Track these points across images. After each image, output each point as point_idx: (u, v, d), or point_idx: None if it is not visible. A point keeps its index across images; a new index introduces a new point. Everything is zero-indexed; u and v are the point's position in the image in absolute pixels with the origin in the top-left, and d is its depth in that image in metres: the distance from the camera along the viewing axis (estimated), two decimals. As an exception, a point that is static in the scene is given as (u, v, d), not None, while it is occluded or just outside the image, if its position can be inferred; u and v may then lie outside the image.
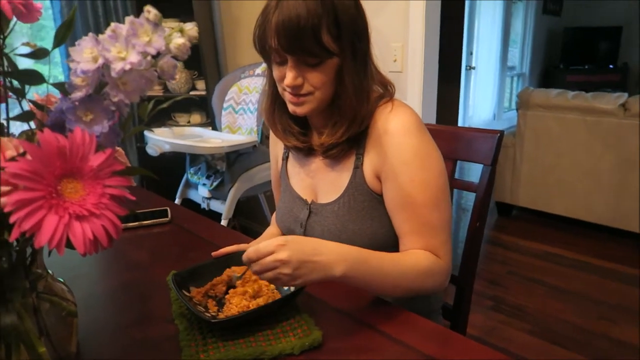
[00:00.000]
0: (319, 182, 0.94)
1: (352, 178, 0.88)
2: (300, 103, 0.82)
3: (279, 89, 0.86)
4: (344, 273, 0.70)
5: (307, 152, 0.95)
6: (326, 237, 0.89)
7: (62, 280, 0.62)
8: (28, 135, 0.49)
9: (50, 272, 0.60)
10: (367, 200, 0.87)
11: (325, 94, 0.83)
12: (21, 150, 0.44)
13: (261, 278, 0.68)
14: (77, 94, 0.47)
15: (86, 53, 0.47)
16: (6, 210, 0.40)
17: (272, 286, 0.79)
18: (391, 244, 0.87)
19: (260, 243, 0.68)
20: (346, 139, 0.85)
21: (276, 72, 0.83)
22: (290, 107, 0.85)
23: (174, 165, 2.51)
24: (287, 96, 0.84)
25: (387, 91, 0.89)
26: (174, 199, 2.48)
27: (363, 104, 0.84)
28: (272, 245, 0.66)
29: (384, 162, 0.84)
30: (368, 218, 0.87)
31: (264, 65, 2.37)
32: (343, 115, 0.84)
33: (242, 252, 0.86)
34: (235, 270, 0.82)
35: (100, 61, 0.46)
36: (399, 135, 0.83)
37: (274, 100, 0.93)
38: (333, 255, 0.70)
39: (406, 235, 0.84)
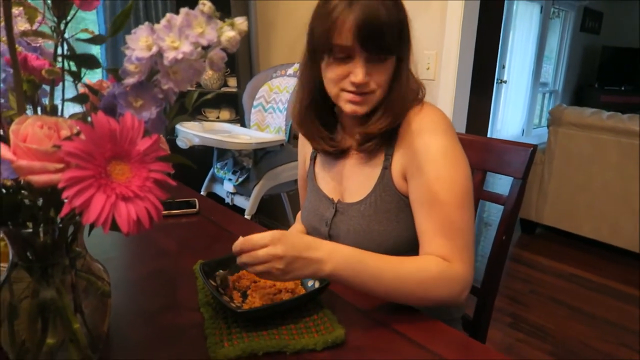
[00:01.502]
0: (347, 182, 0.95)
1: (380, 178, 0.88)
2: (361, 102, 0.83)
3: (334, 90, 0.85)
4: (332, 269, 0.70)
5: (335, 155, 0.96)
6: (351, 236, 0.89)
7: (98, 260, 0.64)
8: (83, 117, 0.51)
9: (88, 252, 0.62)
10: (394, 201, 0.87)
11: (383, 93, 0.84)
12: (76, 131, 0.46)
13: (249, 270, 0.68)
14: (130, 80, 0.49)
15: (141, 41, 0.48)
16: (60, 186, 0.42)
17: (297, 281, 0.80)
18: (415, 247, 0.87)
19: (254, 235, 0.68)
20: (383, 133, 0.86)
21: (333, 72, 0.82)
22: (350, 108, 0.84)
23: (201, 159, 2.56)
24: (348, 96, 0.83)
25: (419, 93, 0.90)
26: (199, 192, 2.52)
27: (406, 102, 0.86)
28: (266, 238, 0.66)
29: (412, 160, 0.84)
30: (394, 220, 0.87)
31: (295, 66, 2.40)
32: (389, 110, 0.85)
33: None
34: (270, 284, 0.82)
35: (154, 49, 0.48)
36: (427, 133, 0.83)
37: (308, 105, 0.92)
38: (324, 252, 0.70)
39: (427, 233, 0.81)
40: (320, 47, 0.82)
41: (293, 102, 0.96)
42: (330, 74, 0.83)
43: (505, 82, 5.15)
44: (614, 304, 2.33)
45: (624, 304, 2.33)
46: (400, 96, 0.85)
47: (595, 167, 2.80)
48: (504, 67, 5.07)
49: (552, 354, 1.91)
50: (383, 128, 0.85)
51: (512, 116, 5.51)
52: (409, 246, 0.87)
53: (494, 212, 1.02)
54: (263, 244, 0.67)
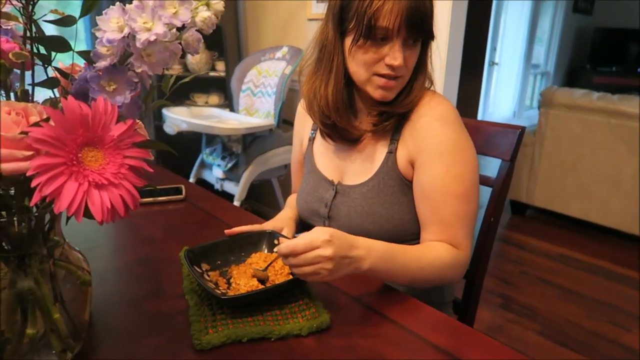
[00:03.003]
0: (348, 164, 0.94)
1: (384, 162, 0.88)
2: (392, 87, 0.83)
3: (364, 75, 0.83)
4: (370, 266, 0.71)
5: (353, 141, 0.94)
6: (352, 218, 0.89)
7: (78, 249, 0.63)
8: (52, 102, 0.49)
9: (67, 240, 0.61)
10: (397, 185, 0.87)
11: (408, 78, 0.85)
12: (45, 116, 0.45)
13: (295, 272, 0.67)
14: (102, 63, 0.47)
15: (113, 22, 0.47)
16: (29, 173, 0.40)
17: (287, 268, 0.79)
18: (413, 232, 0.88)
19: (301, 237, 0.66)
20: (399, 113, 0.87)
21: (369, 55, 0.80)
22: (380, 93, 0.83)
23: (190, 144, 2.53)
24: (380, 81, 0.82)
25: (426, 81, 0.90)
26: (188, 179, 2.50)
27: (424, 87, 0.88)
28: (318, 240, 0.65)
29: (421, 150, 0.84)
30: (396, 203, 0.87)
31: (284, 49, 2.36)
32: (416, 93, 0.86)
33: (256, 232, 0.87)
34: (257, 264, 0.81)
35: (126, 31, 0.46)
36: (440, 125, 0.84)
37: (342, 92, 0.87)
38: (363, 249, 0.70)
39: (432, 224, 0.85)
40: (358, 29, 0.78)
41: (309, 87, 0.90)
42: (364, 57, 0.81)
43: (496, 64, 5.12)
44: (602, 283, 2.36)
45: (613, 282, 2.36)
46: (423, 80, 0.87)
47: (586, 148, 2.81)
48: (495, 49, 5.03)
49: (542, 333, 1.93)
50: (405, 110, 0.86)
51: (503, 98, 5.50)
52: (409, 229, 0.88)
53: (484, 195, 1.02)
54: (315, 247, 0.65)
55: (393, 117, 0.87)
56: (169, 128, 2.15)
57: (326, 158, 0.98)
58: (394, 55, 0.78)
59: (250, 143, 2.27)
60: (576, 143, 2.84)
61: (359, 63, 0.82)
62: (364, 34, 0.78)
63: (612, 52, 6.03)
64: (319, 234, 0.66)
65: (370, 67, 0.81)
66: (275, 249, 0.83)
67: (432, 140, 0.83)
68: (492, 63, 5.05)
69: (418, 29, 0.78)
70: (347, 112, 0.89)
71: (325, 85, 0.87)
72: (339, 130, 0.90)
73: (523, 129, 1.02)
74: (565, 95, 2.85)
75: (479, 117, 4.65)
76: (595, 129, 2.75)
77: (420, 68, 0.87)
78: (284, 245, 0.67)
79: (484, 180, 1.11)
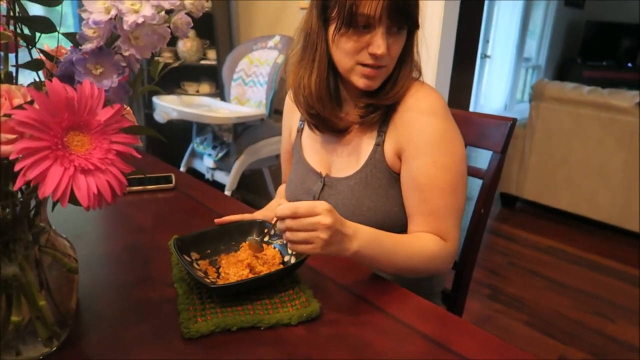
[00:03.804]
0: (335, 156, 0.94)
1: (371, 154, 0.88)
2: (375, 76, 0.82)
3: (348, 64, 0.81)
4: (357, 249, 0.70)
5: (339, 132, 0.94)
6: (340, 210, 0.88)
7: (64, 236, 0.62)
8: (37, 85, 0.48)
9: (53, 227, 0.60)
10: (384, 177, 0.87)
11: (392, 67, 0.84)
12: (29, 99, 0.44)
13: (287, 236, 0.66)
14: (88, 46, 0.46)
15: (99, 3, 0.45)
16: (12, 157, 0.39)
17: (278, 258, 0.78)
18: (401, 224, 0.88)
19: (302, 202, 0.66)
20: (386, 105, 0.86)
21: (349, 44, 0.79)
22: (364, 82, 0.82)
23: (180, 134, 2.51)
24: (364, 70, 0.81)
25: (414, 72, 0.89)
26: (179, 168, 2.48)
27: (411, 77, 0.86)
28: (319, 207, 0.65)
29: (408, 142, 0.84)
30: (383, 195, 0.87)
31: (276, 38, 2.34)
32: (402, 83, 0.85)
33: (246, 221, 0.87)
34: (247, 253, 0.79)
35: (113, 12, 0.45)
36: (427, 116, 0.83)
37: (326, 81, 0.86)
38: (351, 229, 0.70)
39: (419, 216, 0.84)
40: (340, 16, 0.77)
41: (295, 77, 0.89)
42: (347, 45, 0.79)
43: (489, 57, 5.13)
44: (589, 274, 2.39)
45: (599, 274, 2.40)
46: (408, 73, 0.85)
47: (576, 141, 2.83)
48: (488, 41, 5.04)
49: (528, 323, 1.96)
50: (392, 102, 0.85)
51: (495, 91, 5.52)
52: (397, 221, 0.88)
53: (474, 187, 1.02)
54: (315, 212, 0.64)
55: (380, 109, 0.86)
56: (159, 116, 2.13)
57: (314, 150, 0.98)
58: (377, 44, 0.77)
59: (242, 132, 2.26)
60: (566, 136, 2.86)
61: (342, 52, 0.81)
62: (345, 22, 0.77)
63: (603, 46, 6.07)
64: (318, 202, 0.65)
65: (354, 55, 0.80)
66: (266, 239, 0.83)
67: (419, 132, 0.83)
68: (485, 56, 5.05)
69: (401, 16, 0.77)
70: (331, 102, 0.88)
71: (309, 74, 0.86)
72: (324, 120, 0.89)
73: (514, 120, 1.02)
74: (556, 88, 2.87)
75: (471, 110, 4.66)
76: (586, 122, 2.77)
77: (406, 58, 0.85)
78: (285, 205, 0.65)
79: (474, 172, 1.11)
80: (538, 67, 6.09)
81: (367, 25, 0.77)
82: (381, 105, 0.86)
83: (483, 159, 1.11)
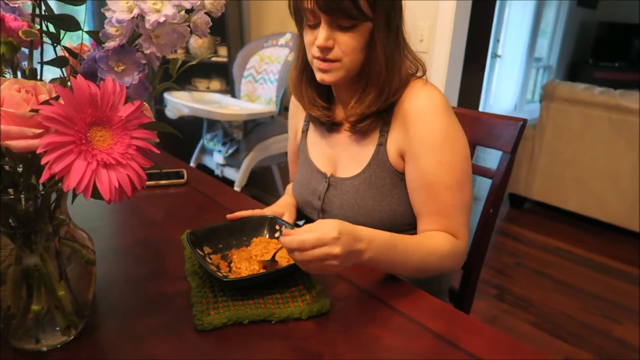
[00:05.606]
0: (340, 156, 0.95)
1: (374, 154, 0.88)
2: (328, 70, 0.82)
3: (309, 57, 0.86)
4: (371, 257, 0.70)
5: (329, 126, 0.95)
6: (345, 210, 0.90)
7: (83, 229, 0.64)
8: (62, 81, 0.49)
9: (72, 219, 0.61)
10: (388, 177, 0.87)
11: (354, 62, 0.82)
12: (54, 95, 0.45)
13: (300, 266, 0.65)
14: (111, 44, 0.48)
15: (122, 3, 0.47)
16: (39, 151, 0.41)
17: (285, 252, 0.80)
18: (408, 222, 0.88)
19: (306, 228, 0.65)
20: (375, 111, 0.85)
21: (307, 37, 0.83)
22: (319, 76, 0.84)
23: (191, 130, 2.53)
24: (316, 63, 0.83)
25: (418, 70, 0.89)
26: (188, 164, 2.50)
27: (394, 76, 0.84)
28: (327, 237, 0.63)
29: (411, 141, 0.84)
30: (388, 195, 0.87)
31: (287, 36, 2.35)
32: (372, 84, 0.84)
33: (257, 217, 0.88)
34: (258, 248, 0.81)
35: (136, 11, 0.46)
36: (429, 115, 0.83)
37: (302, 70, 0.93)
38: (365, 242, 0.69)
39: (428, 215, 0.84)
40: (293, 11, 0.84)
41: (291, 68, 0.97)
42: (305, 40, 0.85)
43: (499, 56, 5.10)
44: (596, 276, 2.38)
45: (606, 276, 2.39)
46: (379, 71, 0.82)
47: (585, 142, 2.81)
48: (498, 40, 5.01)
49: (535, 324, 1.96)
50: (369, 108, 0.84)
51: (505, 91, 5.49)
52: (404, 221, 0.88)
53: (484, 187, 1.02)
54: (323, 243, 0.63)
55: (369, 117, 0.86)
56: (171, 112, 2.15)
57: (319, 150, 0.99)
58: (318, 35, 0.80)
59: (251, 129, 2.27)
60: (576, 137, 2.84)
61: (305, 47, 0.86)
62: (297, 18, 0.84)
63: (615, 47, 6.00)
64: (326, 230, 0.64)
65: (309, 49, 0.84)
66: (277, 235, 0.84)
67: (422, 132, 0.82)
68: (495, 55, 5.03)
69: (332, 9, 0.76)
70: (310, 95, 0.93)
71: (295, 66, 0.94)
72: (308, 109, 0.95)
73: (525, 121, 1.03)
74: (566, 89, 2.85)
75: (480, 110, 4.64)
76: (596, 123, 2.75)
77: (373, 54, 0.82)
78: (290, 239, 0.64)
79: (483, 172, 1.11)
80: (549, 67, 6.05)
81: (317, 23, 0.80)
82: (368, 114, 0.86)
83: (492, 158, 1.12)
